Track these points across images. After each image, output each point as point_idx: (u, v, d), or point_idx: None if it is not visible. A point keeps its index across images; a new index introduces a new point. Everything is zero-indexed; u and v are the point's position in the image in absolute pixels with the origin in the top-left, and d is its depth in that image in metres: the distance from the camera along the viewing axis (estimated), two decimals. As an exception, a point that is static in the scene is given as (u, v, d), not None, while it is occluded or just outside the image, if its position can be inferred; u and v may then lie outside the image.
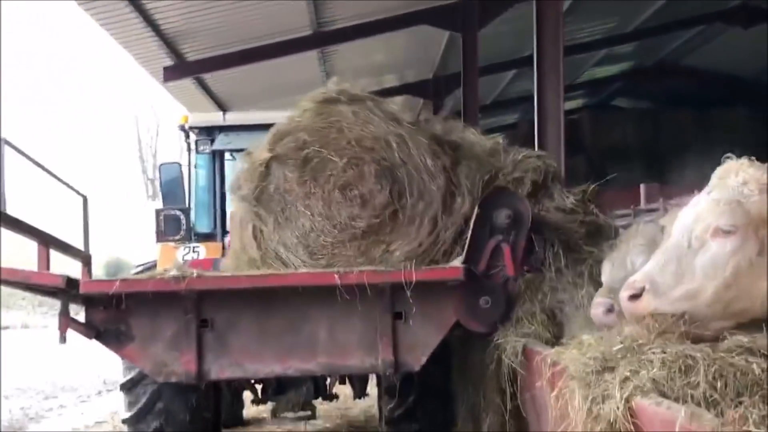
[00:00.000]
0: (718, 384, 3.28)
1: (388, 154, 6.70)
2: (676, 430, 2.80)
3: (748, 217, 3.45)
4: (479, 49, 15.74)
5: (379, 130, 6.71)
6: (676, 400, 3.23)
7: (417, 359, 6.05)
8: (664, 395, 3.29)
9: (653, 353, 3.54)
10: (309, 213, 6.64)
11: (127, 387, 7.43)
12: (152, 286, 6.04)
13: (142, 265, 10.08)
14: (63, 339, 6.18)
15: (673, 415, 2.93)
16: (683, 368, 3.38)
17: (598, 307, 4.83)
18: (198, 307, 6.02)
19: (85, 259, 7.60)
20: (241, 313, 6.17)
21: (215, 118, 10.89)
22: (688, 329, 3.61)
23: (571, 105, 22.07)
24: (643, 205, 6.42)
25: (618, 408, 3.37)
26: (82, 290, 5.94)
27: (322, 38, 15.31)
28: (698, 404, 3.22)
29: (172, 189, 10.64)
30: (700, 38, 20.52)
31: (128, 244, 37.60)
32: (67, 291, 5.95)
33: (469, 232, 6.04)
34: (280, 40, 14.96)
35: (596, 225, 6.68)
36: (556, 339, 5.50)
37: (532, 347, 5.38)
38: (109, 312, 6.05)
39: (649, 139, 20.91)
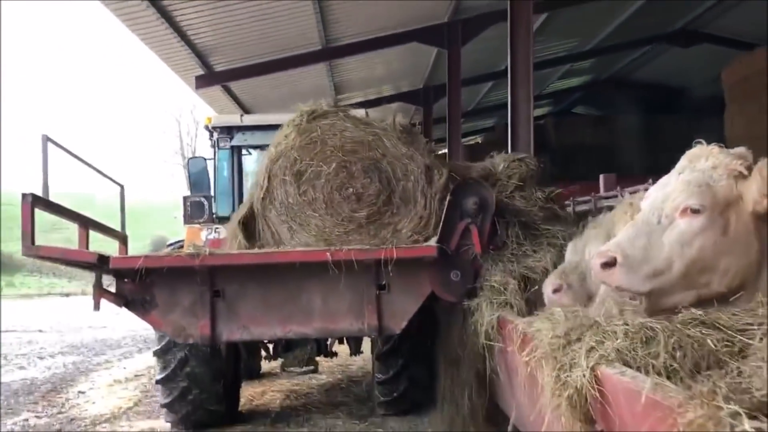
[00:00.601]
0: (677, 354, 2.96)
1: (369, 152, 6.75)
2: (642, 400, 2.46)
3: (715, 199, 3.17)
4: (462, 63, 15.47)
5: (354, 135, 6.77)
6: (639, 369, 2.91)
7: (398, 324, 6.11)
8: (627, 365, 2.95)
9: (617, 325, 3.19)
10: (317, 215, 6.65)
11: (160, 353, 7.49)
12: (170, 261, 6.01)
13: (173, 243, 9.83)
14: (97, 307, 6.21)
15: (638, 384, 2.59)
16: (645, 339, 3.06)
17: (547, 286, 4.66)
18: (211, 279, 6.05)
19: (122, 239, 7.73)
20: (248, 285, 6.16)
21: (234, 119, 10.71)
22: (653, 304, 3.33)
23: (539, 112, 22.20)
24: (602, 192, 6.06)
25: (584, 376, 3.03)
26: (111, 265, 5.94)
27: (329, 53, 15.06)
28: (659, 373, 2.90)
29: (198, 179, 10.48)
30: (647, 56, 20.49)
31: (171, 226, 37.34)
32: (99, 266, 5.97)
33: (443, 216, 6.08)
34: (294, 54, 14.69)
35: (554, 213, 6.77)
36: (527, 303, 5.35)
37: (506, 317, 5.04)
38: (136, 284, 6.05)
39: (604, 141, 20.67)
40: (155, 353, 7.57)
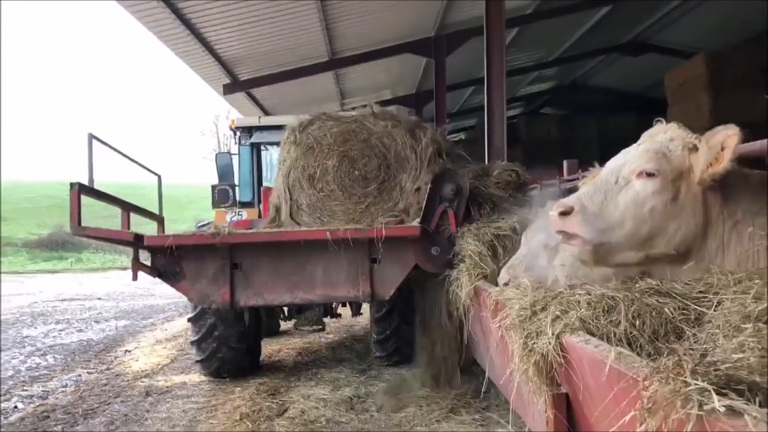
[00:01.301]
0: (637, 323, 2.58)
1: (357, 137, 6.94)
2: (606, 370, 2.09)
3: (670, 167, 2.92)
4: (447, 71, 15.01)
5: (340, 128, 6.96)
6: (601, 337, 2.53)
7: (387, 291, 6.19)
8: (590, 333, 2.57)
9: (579, 295, 2.81)
10: (338, 202, 6.89)
11: (194, 319, 7.43)
12: (195, 239, 6.16)
13: (203, 224, 9.77)
14: (135, 277, 6.40)
15: (602, 353, 2.21)
16: (606, 308, 2.68)
17: (500, 280, 4.34)
18: (231, 254, 6.18)
19: (160, 221, 7.81)
20: (262, 259, 6.24)
21: (253, 120, 10.94)
22: (601, 259, 3.04)
23: (512, 112, 21.70)
24: (565, 176, 5.66)
25: (550, 343, 2.65)
26: (146, 243, 6.11)
27: (335, 63, 14.61)
28: (620, 340, 2.53)
29: (224, 171, 10.67)
30: (602, 64, 19.95)
31: (211, 210, 37.04)
32: (136, 243, 6.15)
33: (424, 201, 6.12)
34: (305, 64, 14.25)
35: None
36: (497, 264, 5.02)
37: (481, 286, 4.67)
38: (168, 258, 6.17)
39: (567, 136, 20.39)
40: (189, 319, 7.51)
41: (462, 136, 24.87)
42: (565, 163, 6.05)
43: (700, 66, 14.56)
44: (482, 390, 4.78)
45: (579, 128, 20.45)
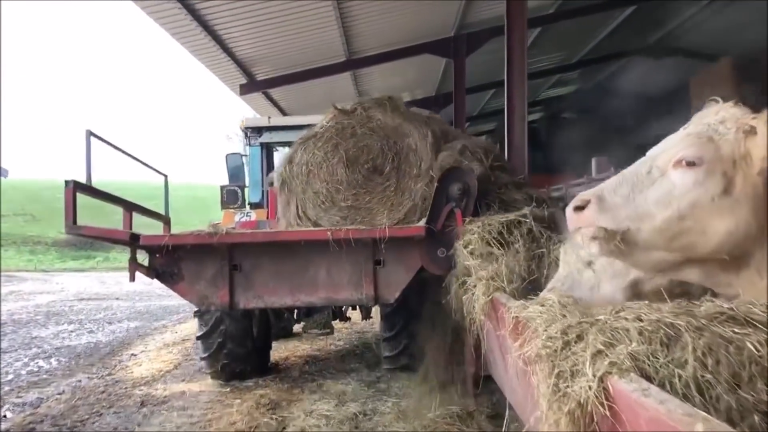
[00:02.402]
0: (709, 361, 1.82)
1: (372, 139, 6.63)
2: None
3: (717, 154, 2.26)
4: (466, 73, 14.25)
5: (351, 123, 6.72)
6: (661, 381, 1.79)
7: (392, 294, 5.86)
8: (646, 376, 1.81)
9: (627, 321, 2.07)
10: (355, 191, 6.59)
11: (199, 314, 7.05)
12: (192, 239, 5.78)
13: (213, 224, 9.12)
14: (132, 278, 6.06)
15: (673, 414, 1.47)
16: (665, 341, 1.91)
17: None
18: (230, 255, 5.85)
19: (166, 221, 7.57)
20: (263, 260, 5.91)
21: (262, 121, 10.60)
22: (624, 248, 2.34)
23: (532, 117, 20.83)
24: (594, 174, 4.92)
25: (590, 388, 1.89)
26: (142, 242, 5.78)
27: (352, 64, 13.92)
28: (687, 386, 1.77)
29: (235, 172, 10.17)
30: (625, 67, 18.94)
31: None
32: (132, 243, 5.78)
33: (431, 200, 5.75)
34: (323, 65, 13.59)
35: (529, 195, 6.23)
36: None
37: (498, 298, 3.93)
38: (166, 258, 5.86)
39: (587, 140, 19.60)
40: (195, 314, 7.12)
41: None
42: (594, 161, 5.31)
43: (727, 69, 13.93)
44: (505, 421, 4.00)
45: (600, 132, 19.73)
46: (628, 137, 18.53)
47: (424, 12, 12.13)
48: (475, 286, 4.30)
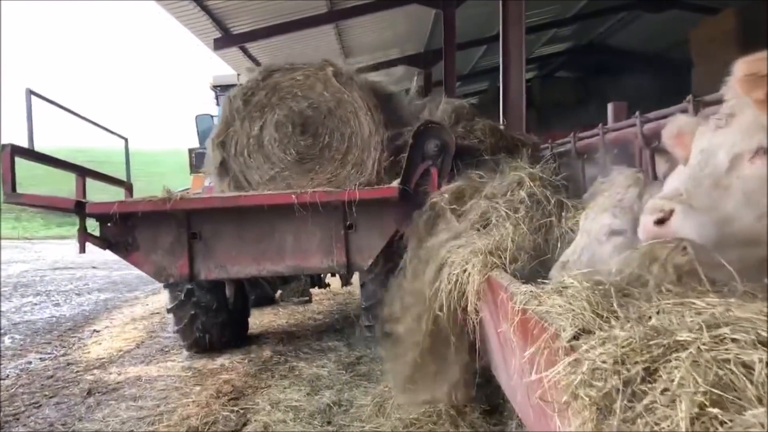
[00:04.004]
0: None
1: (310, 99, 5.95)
2: None
3: None
4: (457, 28, 13.08)
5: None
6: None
7: (365, 260, 5.44)
8: None
9: (741, 345, 1.10)
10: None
11: (170, 286, 6.52)
12: (143, 207, 5.25)
13: (181, 190, 8.35)
14: (82, 249, 5.52)
15: None
16: None
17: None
18: (188, 222, 5.38)
19: (128, 187, 7.13)
20: (223, 227, 5.43)
21: (231, 78, 9.90)
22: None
23: (526, 75, 19.71)
24: (611, 123, 3.96)
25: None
26: (87, 210, 5.31)
27: (335, 15, 12.71)
28: None
29: (205, 134, 9.35)
30: (621, 22, 18.01)
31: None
32: (78, 211, 5.30)
33: (405, 158, 5.27)
34: (303, 16, 12.41)
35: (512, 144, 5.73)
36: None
37: (497, 279, 3.01)
38: (119, 227, 5.39)
39: (581, 99, 18.61)
40: (165, 286, 6.56)
41: (473, 100, 23.02)
42: (610, 108, 4.34)
43: (730, 21, 13.16)
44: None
45: (593, 90, 18.75)
46: (625, 94, 17.70)
47: (410, -43, 11.02)
48: (467, 262, 3.37)
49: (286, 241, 5.37)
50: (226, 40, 12.62)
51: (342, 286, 8.70)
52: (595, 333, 1.65)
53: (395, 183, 5.25)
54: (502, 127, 6.95)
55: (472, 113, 6.38)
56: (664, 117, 3.42)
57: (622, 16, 17.26)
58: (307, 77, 5.88)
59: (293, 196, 5.07)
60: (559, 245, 3.33)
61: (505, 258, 3.10)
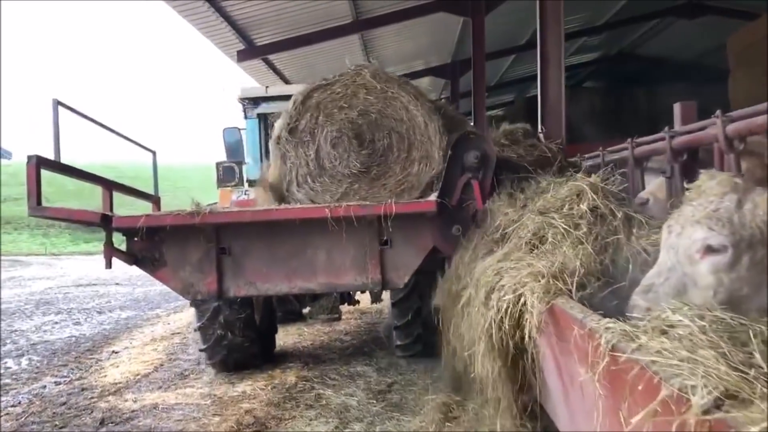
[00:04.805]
0: None
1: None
2: None
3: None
4: (485, 33, 12.59)
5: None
6: None
7: (401, 278, 5.06)
8: None
9: None
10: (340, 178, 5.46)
11: (197, 304, 6.29)
12: (171, 220, 4.96)
13: (209, 204, 8.11)
14: (108, 265, 5.12)
15: None
16: None
17: (633, 310, 2.33)
18: (218, 237, 5.08)
19: (155, 201, 6.78)
20: (254, 242, 5.11)
21: (259, 91, 9.13)
22: None
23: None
24: (678, 126, 3.46)
25: None
26: (115, 225, 5.01)
27: (359, 25, 12.32)
28: None
29: (233, 147, 9.10)
30: (653, 30, 17.38)
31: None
32: (105, 225, 4.98)
33: (443, 170, 5.00)
34: (327, 27, 12.05)
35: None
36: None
37: (564, 309, 2.51)
38: (146, 242, 5.09)
39: (611, 110, 18.00)
40: (192, 304, 6.29)
41: (500, 112, 22.51)
42: (677, 108, 3.83)
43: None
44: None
45: (624, 102, 18.17)
46: (658, 104, 17.06)
47: (438, -36, 10.61)
48: (523, 286, 2.88)
49: (319, 257, 5.06)
50: (249, 51, 12.31)
51: (372, 302, 8.38)
52: (753, 402, 1.17)
53: (433, 196, 4.90)
54: (541, 135, 6.63)
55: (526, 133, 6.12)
56: (750, 116, 2.94)
57: (654, 23, 16.70)
58: (347, 87, 5.44)
59: (326, 209, 4.76)
60: (630, 268, 2.83)
61: (572, 283, 2.60)
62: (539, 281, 2.70)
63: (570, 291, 2.59)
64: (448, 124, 5.52)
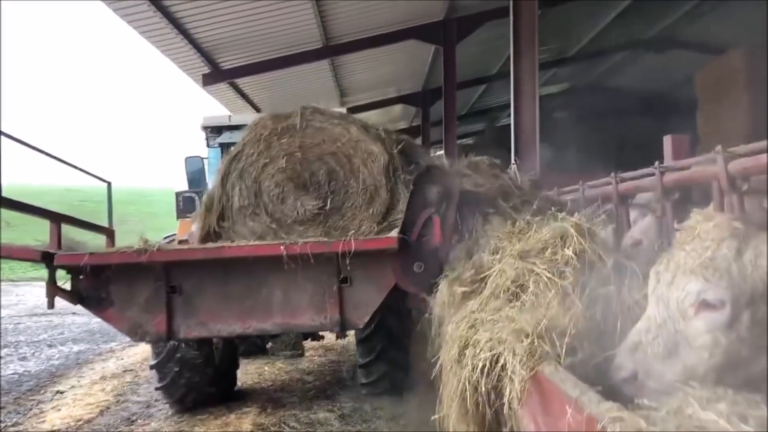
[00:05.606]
0: None
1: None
2: None
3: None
4: (458, 61, 12.41)
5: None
6: None
7: (361, 318, 4.79)
8: None
9: None
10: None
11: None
12: (117, 258, 4.64)
13: (167, 236, 8.02)
14: (51, 305, 4.74)
15: None
16: None
17: (618, 372, 2.07)
18: (167, 275, 4.74)
19: (109, 234, 6.26)
20: (206, 280, 4.80)
21: (222, 119, 9.01)
22: None
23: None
24: (669, 162, 3.12)
25: None
26: (55, 262, 4.59)
27: (330, 51, 12.00)
28: None
29: (195, 176, 9.06)
30: (622, 63, 17.52)
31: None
32: (46, 263, 4.58)
33: (405, 206, 4.83)
34: (295, 51, 11.72)
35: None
36: None
37: (551, 379, 2.10)
38: (91, 280, 4.72)
39: (580, 140, 17.97)
40: (147, 340, 5.70)
41: (470, 141, 22.35)
42: (668, 141, 3.49)
43: (738, 60, 12.54)
44: None
45: (593, 132, 18.10)
46: (627, 139, 17.03)
47: (409, -8, 10.37)
48: (501, 343, 2.47)
49: (275, 296, 4.76)
50: (215, 75, 11.92)
51: (336, 338, 8.29)
52: None
53: (394, 232, 4.67)
54: (514, 165, 6.36)
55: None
56: (755, 153, 2.60)
57: (623, 55, 16.73)
58: (293, 128, 5.27)
59: (282, 247, 4.47)
60: (619, 326, 2.44)
61: (561, 346, 2.20)
62: (522, 341, 2.30)
63: (559, 356, 2.19)
64: (409, 158, 5.28)
